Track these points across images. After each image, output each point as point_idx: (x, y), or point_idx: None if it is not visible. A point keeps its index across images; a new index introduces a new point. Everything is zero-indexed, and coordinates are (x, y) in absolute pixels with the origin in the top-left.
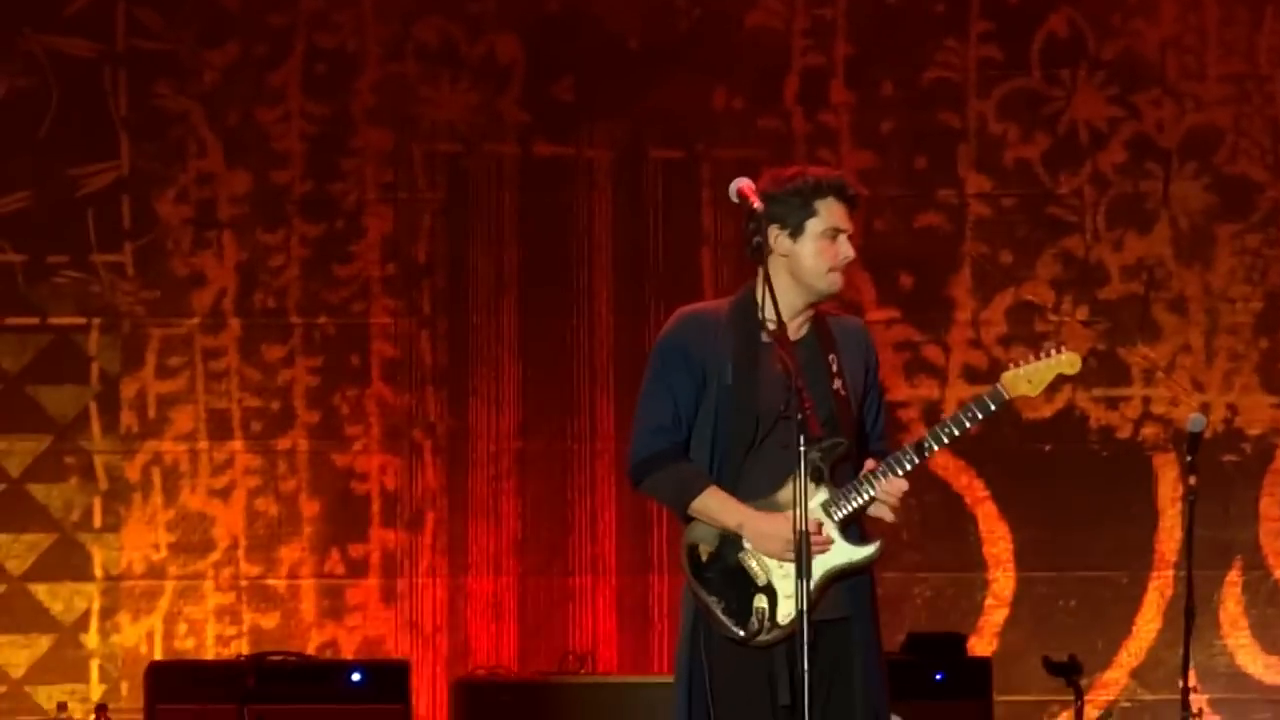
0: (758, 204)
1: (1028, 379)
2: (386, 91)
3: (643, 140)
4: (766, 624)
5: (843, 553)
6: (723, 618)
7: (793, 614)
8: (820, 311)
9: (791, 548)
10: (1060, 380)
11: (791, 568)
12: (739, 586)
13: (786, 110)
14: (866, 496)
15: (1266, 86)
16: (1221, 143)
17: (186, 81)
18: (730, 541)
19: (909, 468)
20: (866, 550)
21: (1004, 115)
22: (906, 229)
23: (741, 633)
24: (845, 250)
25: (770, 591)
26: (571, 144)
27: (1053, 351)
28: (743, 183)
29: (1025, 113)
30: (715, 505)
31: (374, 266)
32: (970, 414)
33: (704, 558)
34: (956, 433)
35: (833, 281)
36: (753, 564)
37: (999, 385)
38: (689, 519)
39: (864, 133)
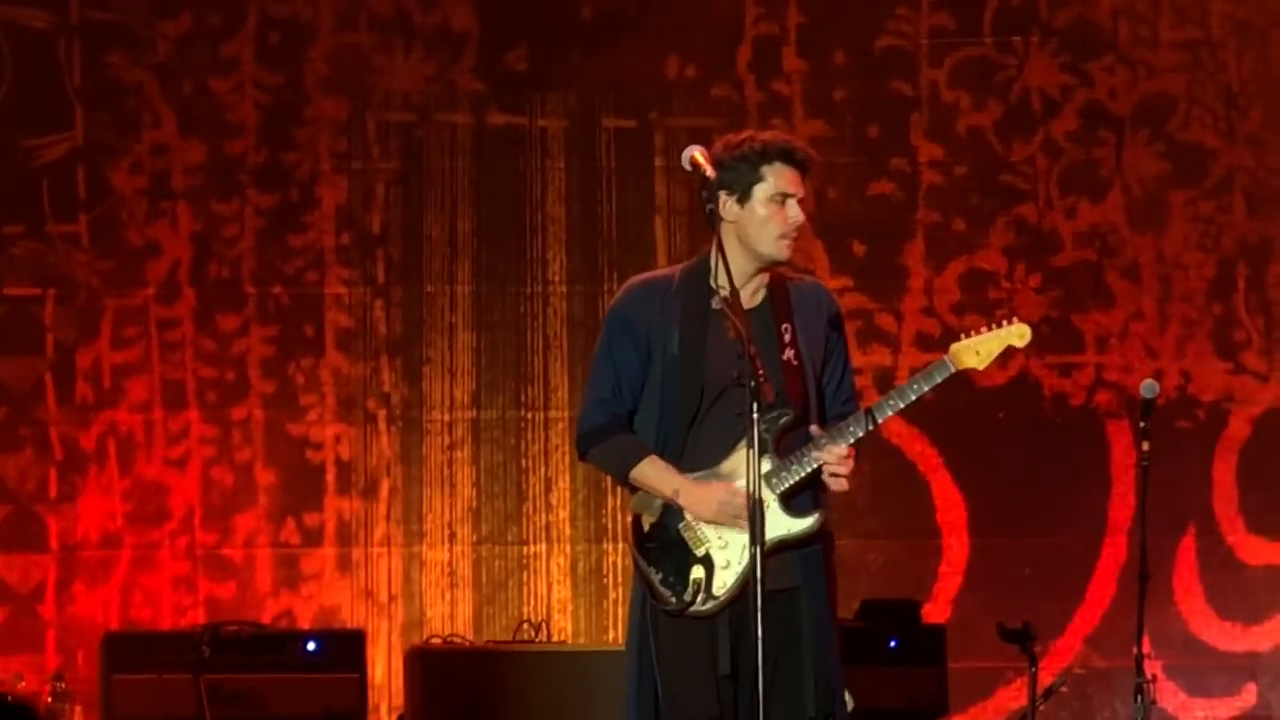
0: (711, 172)
1: (975, 350)
2: (340, 61)
3: (596, 109)
4: (702, 595)
5: (780, 524)
6: (660, 588)
7: (729, 584)
8: (778, 276)
9: (724, 512)
10: (1012, 348)
11: (730, 538)
12: (678, 557)
13: (739, 79)
14: (809, 468)
15: (1219, 53)
16: (1174, 110)
17: (140, 52)
18: (672, 512)
19: (853, 439)
20: (805, 522)
21: (956, 83)
22: (859, 197)
23: (675, 603)
24: (794, 214)
25: (708, 562)
26: (525, 113)
27: (1003, 323)
28: (696, 150)
29: (977, 81)
30: (652, 474)
31: (328, 236)
32: (917, 385)
33: (646, 528)
34: (902, 404)
35: (781, 248)
36: (691, 535)
37: (946, 357)
38: (633, 489)
39: (816, 101)
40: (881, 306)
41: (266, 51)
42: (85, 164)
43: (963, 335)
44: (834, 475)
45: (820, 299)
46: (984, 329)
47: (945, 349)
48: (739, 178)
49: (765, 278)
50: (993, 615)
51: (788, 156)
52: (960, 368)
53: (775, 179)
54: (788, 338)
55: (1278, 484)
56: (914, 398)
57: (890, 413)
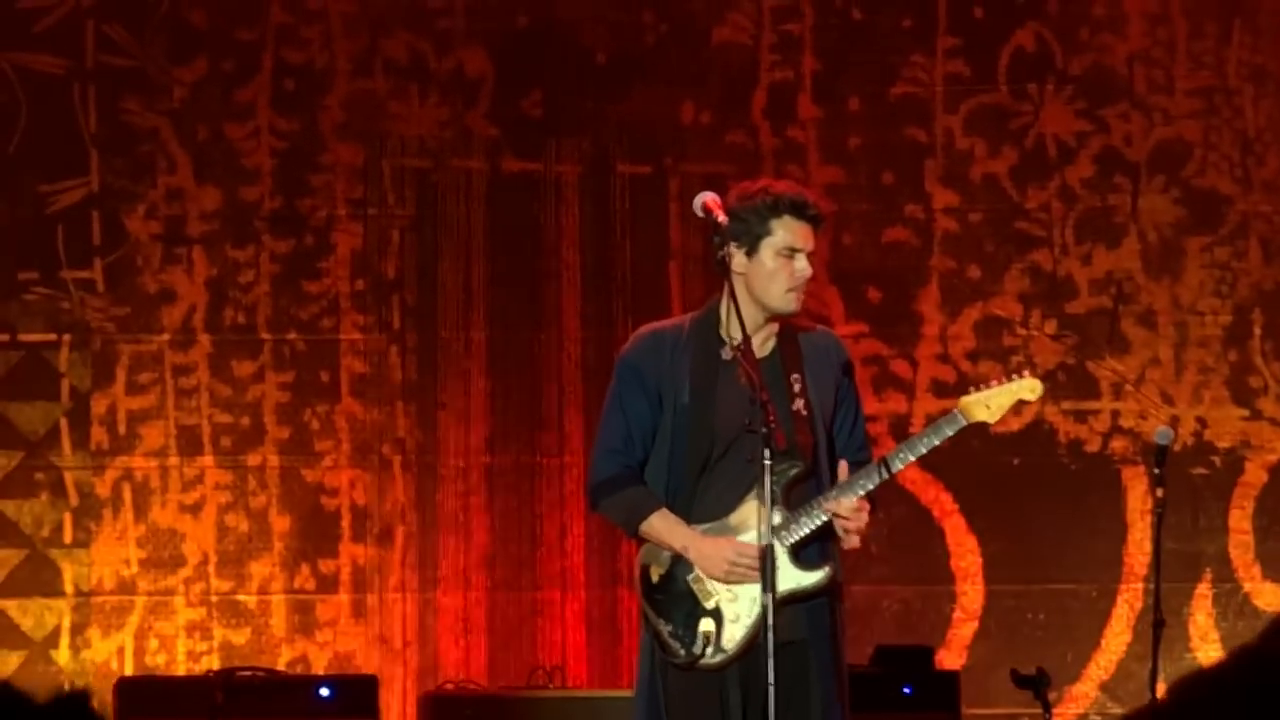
0: (722, 218)
1: (986, 404)
2: (355, 107)
3: (610, 155)
4: (711, 648)
5: (790, 578)
6: (669, 640)
7: (738, 639)
8: (787, 325)
9: (732, 571)
10: (1023, 401)
11: (739, 591)
12: (686, 609)
13: (754, 125)
14: (818, 520)
15: (1235, 100)
16: (1190, 156)
17: (155, 98)
18: (681, 564)
19: (864, 491)
20: (815, 576)
21: (971, 130)
22: (874, 244)
23: (685, 655)
24: (802, 269)
25: (718, 615)
26: (540, 159)
27: (1014, 376)
28: (708, 197)
29: (993, 127)
30: (662, 527)
31: (343, 282)
32: (927, 438)
33: (655, 579)
34: (913, 457)
35: (788, 301)
36: (701, 588)
37: (957, 410)
38: (642, 541)
39: (831, 148)
40: (896, 353)
41: (282, 97)
42: (100, 210)
43: (973, 389)
44: (845, 531)
45: (830, 347)
46: (995, 382)
47: (960, 395)
48: (748, 229)
49: (775, 327)
50: (1007, 662)
51: (798, 211)
52: (971, 420)
53: (784, 233)
54: (797, 388)
55: None
56: (924, 450)
57: (901, 465)
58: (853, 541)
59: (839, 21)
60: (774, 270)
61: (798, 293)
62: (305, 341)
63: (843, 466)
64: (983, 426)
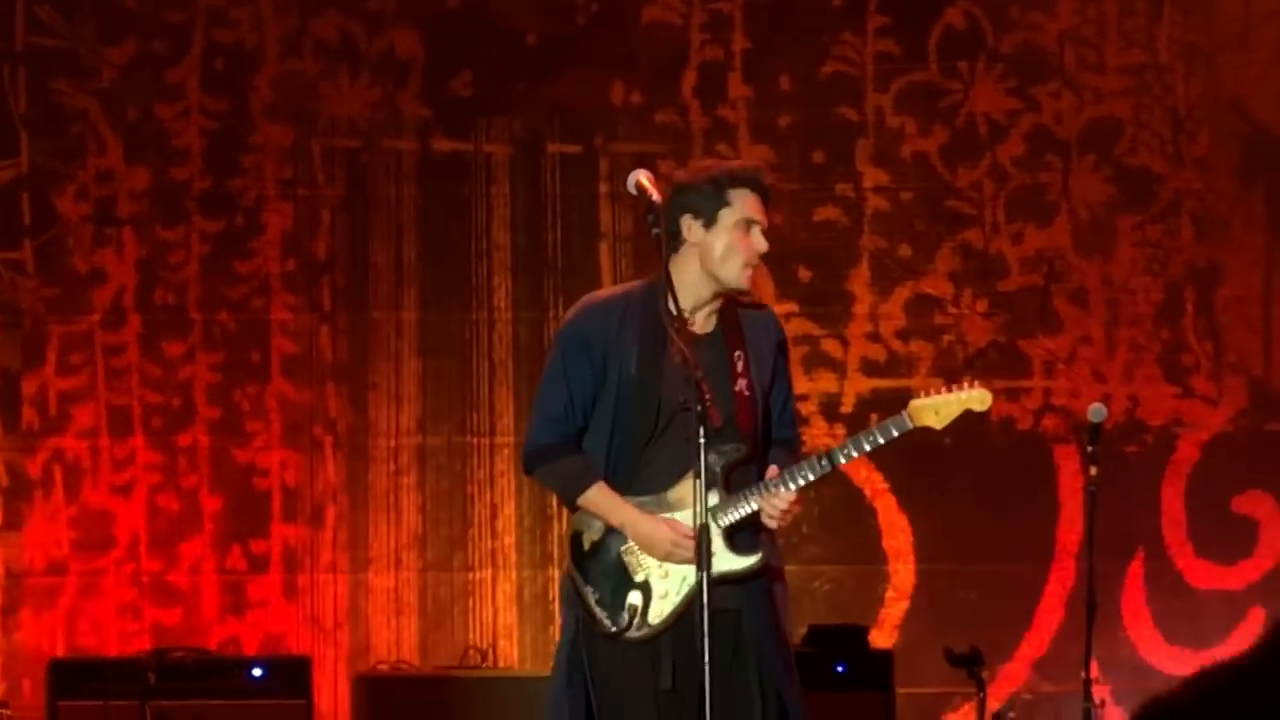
0: (657, 196)
1: (935, 410)
2: (285, 88)
3: (541, 135)
4: (638, 620)
5: (723, 560)
6: (595, 608)
7: (665, 614)
8: (728, 302)
9: (670, 554)
10: (960, 371)
11: (670, 568)
12: (616, 580)
13: (684, 104)
14: (753, 506)
15: (1166, 77)
16: (1121, 134)
17: (85, 79)
18: (615, 534)
19: (803, 483)
20: (748, 560)
21: (902, 109)
22: (805, 223)
23: (611, 627)
24: (758, 243)
25: (646, 589)
26: (470, 139)
27: (965, 386)
28: (642, 174)
29: (923, 106)
30: (601, 502)
31: (274, 262)
32: (872, 439)
33: (586, 545)
34: (856, 454)
35: (743, 275)
36: (632, 560)
37: (905, 413)
38: (577, 509)
39: (762, 127)
40: (827, 332)
41: (212, 78)
42: (30, 190)
43: (923, 393)
44: (769, 517)
45: (768, 324)
46: (946, 389)
47: (891, 374)
48: (706, 201)
49: (718, 303)
50: (940, 641)
51: (755, 183)
52: (918, 425)
53: (742, 204)
54: (740, 366)
55: (1226, 508)
56: (868, 449)
57: (844, 460)
58: (771, 524)
59: (769, 1)
60: (731, 243)
61: (752, 267)
62: (236, 321)
63: (771, 469)
64: (928, 431)
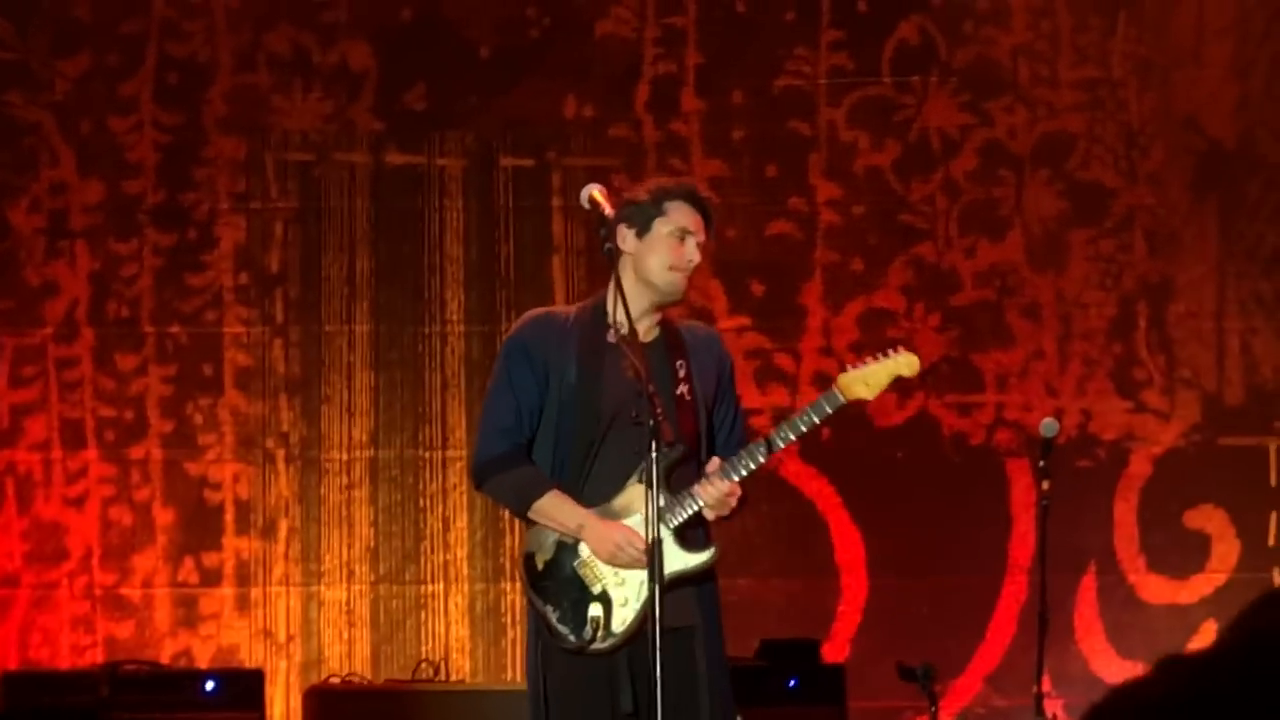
0: (609, 210)
1: (864, 381)
2: (238, 101)
3: (493, 148)
4: (601, 632)
5: (677, 559)
6: (557, 625)
7: (628, 621)
8: (670, 318)
9: (619, 558)
10: (913, 386)
11: (626, 575)
12: (574, 595)
13: (637, 118)
14: (699, 504)
15: (1119, 92)
16: (1074, 148)
17: (38, 91)
18: (567, 549)
19: (745, 473)
20: (701, 556)
21: (855, 123)
22: (757, 237)
23: (574, 640)
24: (691, 252)
25: (605, 599)
26: (423, 152)
27: (890, 352)
28: (595, 189)
29: (876, 120)
30: (555, 507)
31: (227, 275)
32: (807, 417)
33: (540, 566)
34: (793, 436)
35: (673, 281)
36: (588, 572)
37: (835, 388)
38: (530, 523)
39: (715, 141)
40: (779, 346)
41: (165, 91)
42: None
43: (850, 366)
44: (708, 507)
45: (714, 345)
46: (871, 359)
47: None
48: (640, 212)
49: (659, 316)
50: (892, 654)
51: (690, 196)
52: (850, 398)
53: (676, 214)
54: (682, 373)
55: (1178, 523)
56: (805, 429)
57: (782, 445)
58: (710, 515)
59: (722, 14)
60: (665, 250)
61: (684, 275)
62: (188, 335)
63: (714, 461)
64: (861, 403)
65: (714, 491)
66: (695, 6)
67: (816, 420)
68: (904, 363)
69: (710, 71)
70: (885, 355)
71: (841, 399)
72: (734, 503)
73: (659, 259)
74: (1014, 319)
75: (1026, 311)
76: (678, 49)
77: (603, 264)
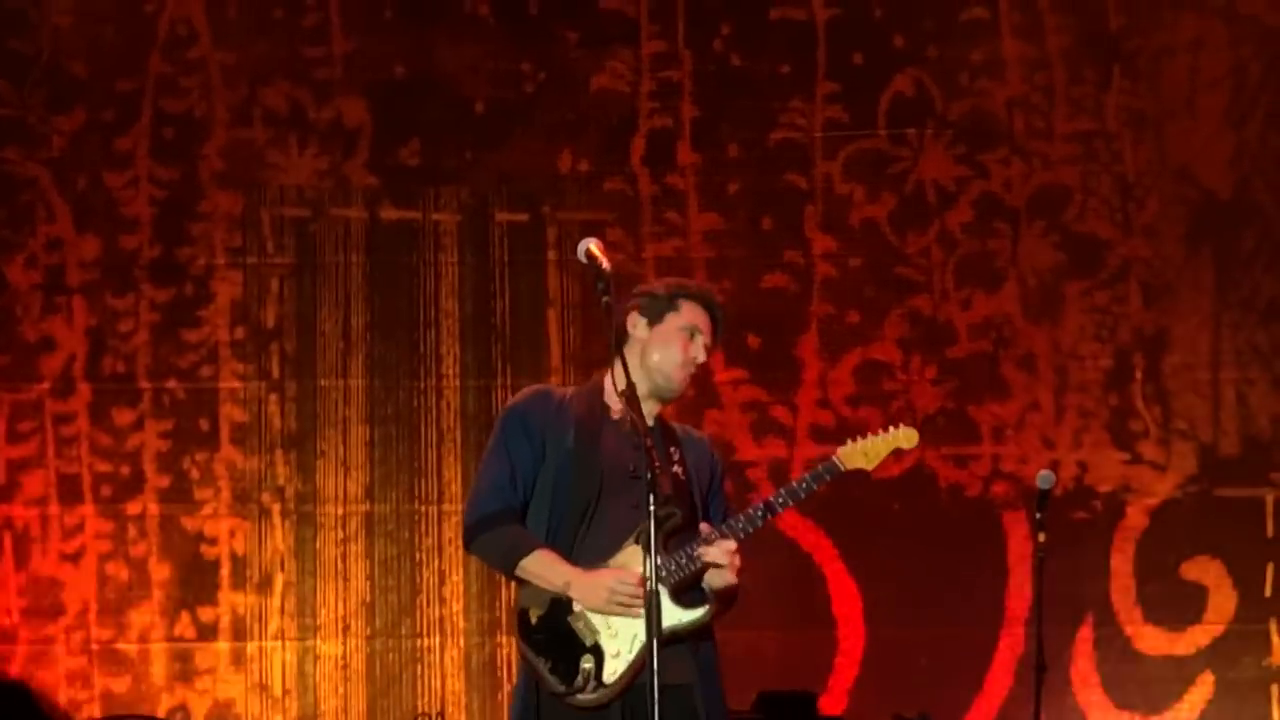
0: (606, 264)
1: (864, 453)
2: (234, 156)
3: (489, 203)
4: (593, 683)
5: (672, 615)
6: (548, 676)
7: (619, 672)
8: (663, 418)
9: (613, 600)
10: (900, 450)
11: (619, 627)
12: (566, 648)
13: (633, 172)
14: (698, 563)
15: (1114, 144)
16: (1070, 201)
17: (35, 147)
18: (559, 604)
19: (744, 535)
20: (696, 613)
21: (850, 175)
22: (753, 289)
23: (564, 688)
24: (697, 351)
25: (597, 652)
26: (418, 207)
27: (890, 429)
28: (592, 243)
29: (872, 173)
30: (542, 565)
31: (223, 330)
32: (805, 484)
33: (533, 620)
34: (791, 502)
35: (678, 377)
36: (580, 625)
37: (834, 458)
38: (520, 582)
39: (711, 194)
40: (776, 399)
41: (161, 146)
42: None
43: (850, 440)
44: (719, 569)
45: (704, 447)
46: (872, 433)
47: (841, 441)
48: (656, 304)
49: (655, 407)
50: (889, 706)
51: (705, 300)
52: (849, 468)
53: (689, 312)
54: (676, 457)
55: (1175, 574)
56: (803, 496)
57: (780, 509)
58: (726, 577)
59: (717, 68)
60: (673, 342)
61: (688, 373)
62: (185, 390)
63: (704, 526)
64: (861, 473)
65: (717, 551)
66: (690, 59)
67: (815, 487)
68: (903, 436)
69: (706, 125)
70: (886, 430)
71: (841, 468)
72: (738, 561)
73: (666, 352)
74: (1009, 371)
75: (1022, 363)
76: (673, 102)
77: (599, 319)
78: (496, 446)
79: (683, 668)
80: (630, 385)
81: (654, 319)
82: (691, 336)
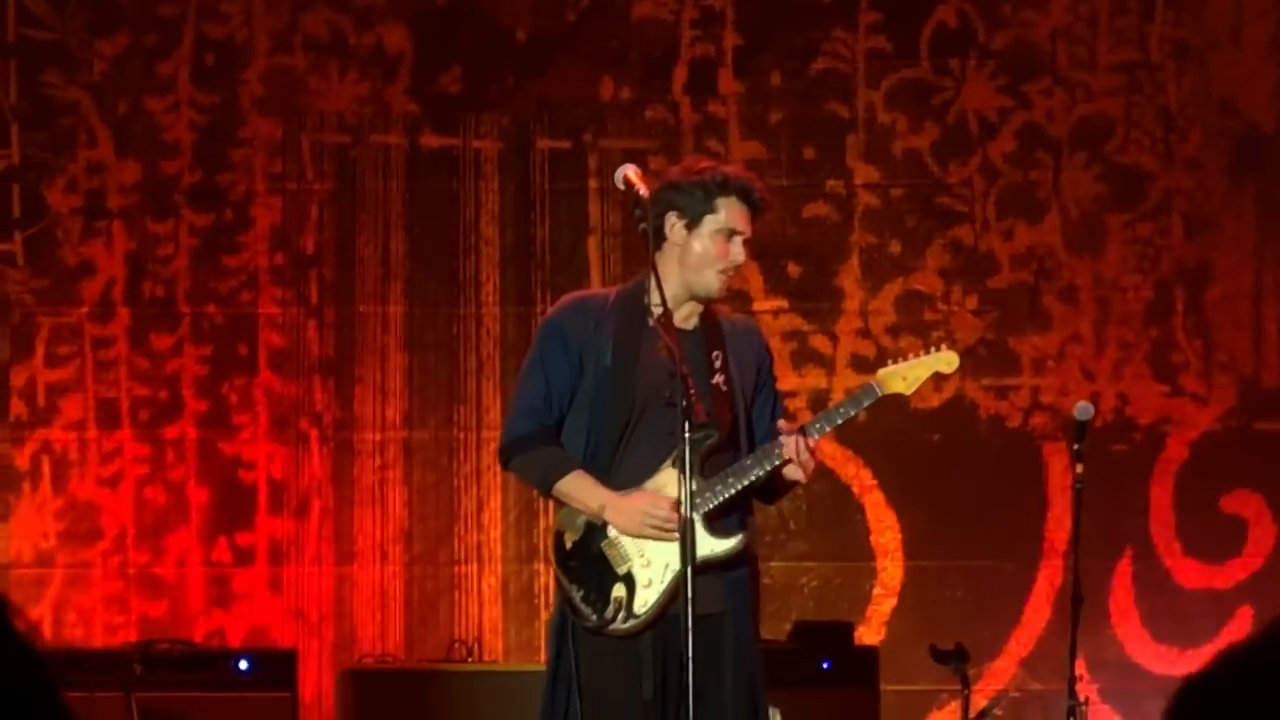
0: (644, 191)
1: (902, 376)
2: (275, 82)
3: (530, 130)
4: (623, 613)
5: (704, 544)
6: (581, 605)
7: (650, 603)
8: (711, 309)
9: (647, 523)
10: (940, 374)
11: (651, 556)
12: (599, 575)
13: (674, 101)
14: (732, 490)
15: (1157, 76)
16: (1112, 132)
17: (76, 71)
18: (595, 529)
19: (776, 463)
20: (729, 543)
21: (893, 105)
22: (794, 219)
23: (595, 620)
24: (736, 254)
25: (630, 581)
26: (458, 134)
27: (931, 349)
28: (629, 170)
29: (914, 103)
30: (577, 487)
31: (262, 256)
32: (843, 410)
33: (568, 545)
34: (829, 428)
35: (713, 283)
36: (614, 553)
37: (873, 382)
38: (558, 502)
39: (752, 123)
40: (816, 328)
41: (202, 72)
42: (20, 182)
43: (890, 361)
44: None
45: (754, 338)
46: (912, 355)
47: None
48: (693, 203)
49: (698, 305)
50: (926, 638)
51: (745, 194)
52: (887, 392)
53: (728, 213)
54: (718, 363)
55: (1215, 508)
56: (840, 421)
57: (818, 435)
58: (802, 475)
59: None
60: (710, 248)
61: (727, 275)
62: (224, 315)
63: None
64: (899, 398)
65: (792, 443)
66: None
67: (853, 413)
68: (943, 360)
69: (748, 54)
70: (925, 352)
71: (879, 392)
72: (809, 458)
73: (704, 256)
74: (1051, 302)
75: (1063, 295)
76: (715, 31)
77: (639, 246)
78: (533, 361)
79: (712, 596)
80: (666, 312)
81: (691, 222)
82: (730, 238)
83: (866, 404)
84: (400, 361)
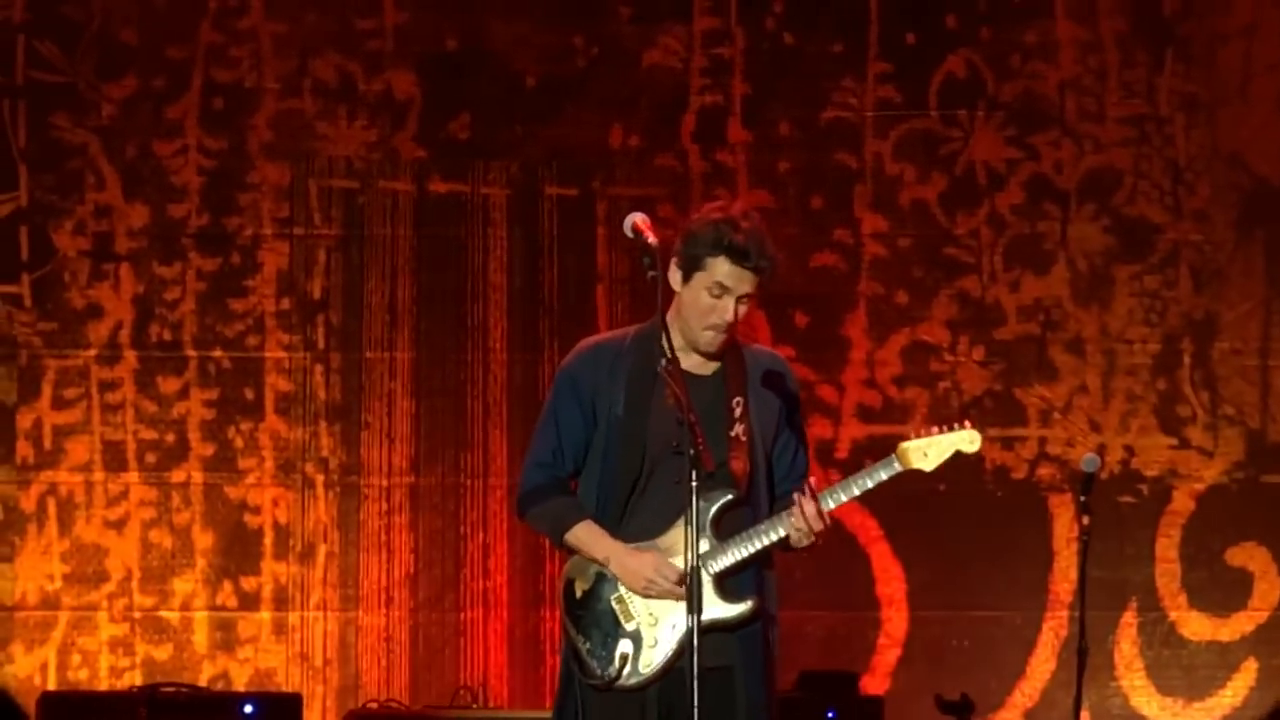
0: (652, 239)
1: (924, 452)
2: (283, 127)
3: (538, 177)
4: (627, 669)
5: (713, 608)
6: (586, 658)
7: (655, 663)
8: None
9: (651, 590)
10: (956, 418)
11: (660, 616)
12: (606, 628)
13: (683, 149)
14: (745, 551)
15: (1166, 128)
16: (1120, 184)
17: (85, 114)
18: (606, 581)
19: (781, 534)
20: (739, 608)
21: (901, 155)
22: (802, 268)
23: (600, 675)
24: (724, 311)
25: (636, 638)
26: (467, 181)
27: (955, 426)
28: (638, 218)
29: (922, 153)
30: (587, 538)
31: (269, 301)
32: (861, 482)
33: (578, 594)
34: (845, 498)
35: (700, 337)
36: (623, 608)
37: (894, 456)
38: (571, 551)
39: (761, 172)
40: (823, 378)
41: (210, 116)
42: (29, 225)
43: (913, 434)
44: (800, 533)
45: (780, 380)
46: (935, 430)
47: (886, 421)
48: (689, 257)
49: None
50: (931, 688)
51: (738, 258)
52: (908, 467)
53: (715, 270)
54: (738, 411)
55: (1220, 560)
56: (858, 493)
57: (833, 505)
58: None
59: (770, 45)
60: (697, 302)
61: (716, 332)
62: (230, 359)
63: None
64: (918, 474)
65: (810, 506)
66: (742, 37)
67: (870, 485)
68: (966, 438)
69: (757, 102)
70: (950, 428)
71: (899, 467)
72: (820, 526)
73: (692, 309)
74: (1057, 354)
75: (1070, 346)
76: (724, 79)
77: (647, 293)
78: (547, 413)
79: (723, 650)
80: (674, 360)
81: (686, 274)
82: (720, 295)
83: (885, 477)
84: (407, 407)
